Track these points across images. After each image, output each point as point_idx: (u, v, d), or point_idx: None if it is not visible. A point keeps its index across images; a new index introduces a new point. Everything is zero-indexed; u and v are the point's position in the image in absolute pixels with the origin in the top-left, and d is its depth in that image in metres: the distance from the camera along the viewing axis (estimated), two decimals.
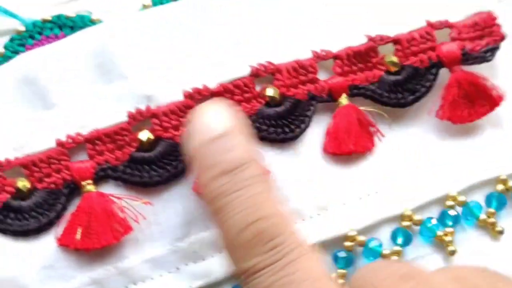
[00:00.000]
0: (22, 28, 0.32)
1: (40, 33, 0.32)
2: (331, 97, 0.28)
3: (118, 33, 0.27)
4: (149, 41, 0.27)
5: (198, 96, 0.26)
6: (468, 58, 0.29)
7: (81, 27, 0.32)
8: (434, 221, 0.28)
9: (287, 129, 0.27)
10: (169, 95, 0.26)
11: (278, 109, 0.27)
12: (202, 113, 0.22)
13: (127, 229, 0.25)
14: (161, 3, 0.32)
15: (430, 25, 0.29)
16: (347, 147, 0.27)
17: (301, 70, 0.28)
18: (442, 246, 0.28)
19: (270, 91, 0.27)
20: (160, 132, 0.26)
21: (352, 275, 0.23)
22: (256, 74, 0.27)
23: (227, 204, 0.21)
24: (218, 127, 0.22)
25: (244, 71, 0.27)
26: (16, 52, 0.32)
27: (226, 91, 0.27)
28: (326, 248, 0.27)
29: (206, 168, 0.22)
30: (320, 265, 0.21)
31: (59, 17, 0.32)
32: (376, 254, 0.27)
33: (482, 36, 0.30)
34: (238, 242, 0.21)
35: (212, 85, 0.27)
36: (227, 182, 0.21)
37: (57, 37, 0.32)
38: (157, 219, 0.26)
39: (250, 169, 0.21)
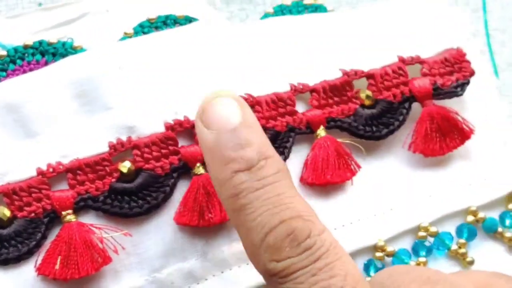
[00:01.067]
0: (4, 53, 0.32)
1: (21, 59, 0.32)
2: (310, 128, 0.29)
3: (102, 62, 0.27)
4: (132, 72, 0.27)
5: (179, 128, 0.27)
6: (440, 92, 0.31)
7: (63, 54, 0.32)
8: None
9: None
10: (150, 126, 0.27)
11: None
12: (216, 104, 0.21)
13: (106, 259, 0.25)
14: (143, 32, 0.33)
15: (402, 60, 0.31)
16: (325, 178, 0.28)
17: (280, 103, 0.28)
18: None
19: None
20: (141, 163, 0.26)
21: (371, 278, 0.22)
22: None
23: (251, 202, 0.20)
24: (233, 119, 0.20)
25: None
26: None
27: None
28: None
29: (223, 163, 0.20)
30: (356, 268, 0.21)
31: (41, 42, 0.32)
32: None
33: (452, 71, 0.31)
34: (267, 242, 0.20)
35: (193, 117, 0.27)
36: (248, 179, 0.20)
37: (38, 63, 0.32)
38: (136, 249, 0.26)
39: (271, 166, 0.20)
